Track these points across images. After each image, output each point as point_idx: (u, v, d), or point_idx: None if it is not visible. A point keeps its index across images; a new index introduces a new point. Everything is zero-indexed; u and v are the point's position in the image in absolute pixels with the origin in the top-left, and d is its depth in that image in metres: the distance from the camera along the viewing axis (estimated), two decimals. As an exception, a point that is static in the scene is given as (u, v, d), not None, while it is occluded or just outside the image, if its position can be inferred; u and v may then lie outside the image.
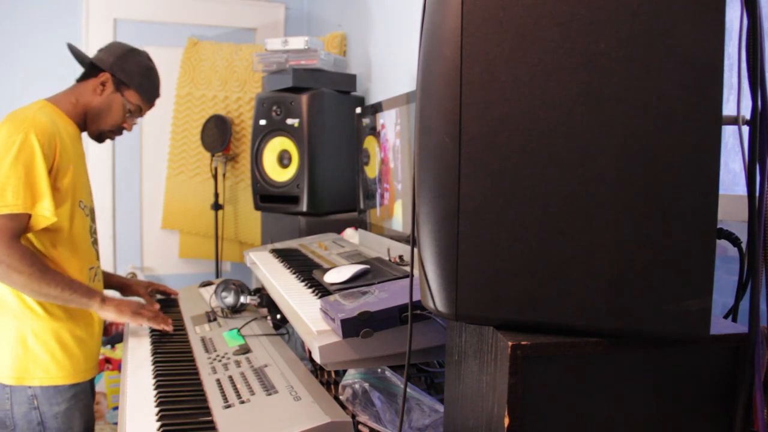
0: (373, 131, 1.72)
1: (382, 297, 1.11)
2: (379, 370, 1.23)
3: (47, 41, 3.14)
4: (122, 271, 3.34)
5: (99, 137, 1.88)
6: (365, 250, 1.69)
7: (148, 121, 3.34)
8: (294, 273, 1.54)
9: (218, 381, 1.35)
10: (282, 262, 1.68)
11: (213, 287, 1.95)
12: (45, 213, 1.58)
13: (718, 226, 0.71)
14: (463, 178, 0.70)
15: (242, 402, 1.22)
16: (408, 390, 1.12)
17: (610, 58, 0.65)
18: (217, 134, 3.11)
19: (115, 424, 2.84)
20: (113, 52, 1.84)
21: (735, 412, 0.73)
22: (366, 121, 1.78)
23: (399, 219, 1.57)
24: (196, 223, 3.29)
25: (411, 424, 1.12)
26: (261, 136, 2.36)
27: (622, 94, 0.65)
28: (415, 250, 0.79)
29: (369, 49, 2.61)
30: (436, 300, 0.74)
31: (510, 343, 0.67)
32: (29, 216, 1.58)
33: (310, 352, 1.46)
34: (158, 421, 1.20)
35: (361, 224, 1.86)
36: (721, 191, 0.68)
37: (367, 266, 1.38)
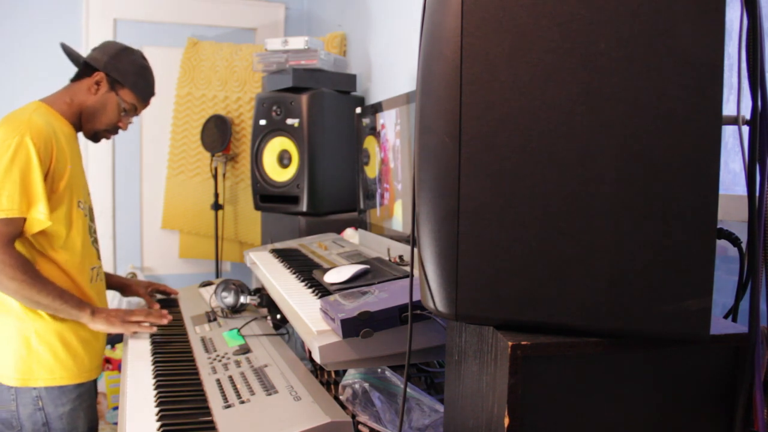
0: (373, 131, 1.72)
1: (382, 297, 1.11)
2: (379, 370, 1.23)
3: (47, 41, 3.13)
4: (122, 271, 3.34)
5: (94, 137, 1.88)
6: (365, 250, 1.69)
7: (148, 122, 3.34)
8: (294, 273, 1.54)
9: (218, 381, 1.35)
10: (282, 262, 1.68)
11: (213, 287, 1.95)
12: (39, 216, 1.58)
13: (718, 226, 0.71)
14: (463, 178, 0.70)
15: (242, 402, 1.22)
16: (408, 390, 1.12)
17: (610, 58, 0.65)
18: (217, 134, 3.11)
19: (115, 424, 2.83)
20: (107, 51, 1.83)
21: (735, 412, 0.73)
22: (366, 121, 1.78)
23: (399, 219, 1.57)
24: (196, 223, 3.29)
25: (411, 424, 1.12)
26: (261, 136, 2.36)
27: (622, 94, 0.65)
28: (415, 250, 0.79)
29: (369, 49, 2.61)
30: (436, 300, 0.74)
31: (510, 343, 0.67)
32: (24, 220, 1.58)
33: (310, 352, 1.46)
34: (158, 421, 1.20)
35: (361, 224, 1.86)
36: (721, 191, 0.68)
37: (367, 266, 1.38)
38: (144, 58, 1.90)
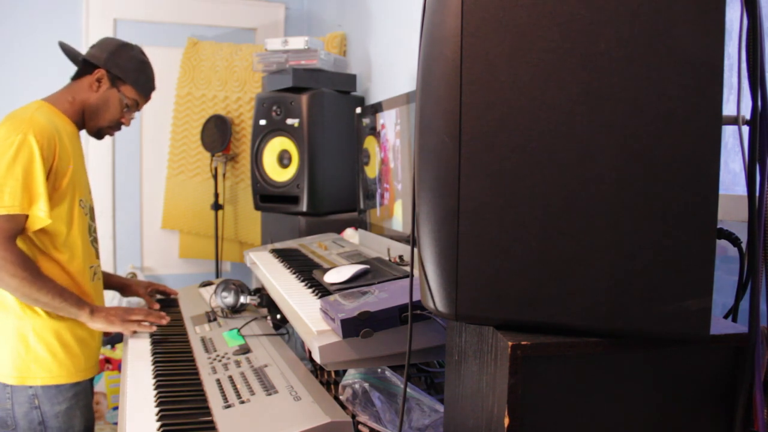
0: (373, 131, 1.72)
1: (382, 297, 1.11)
2: (379, 370, 1.23)
3: (47, 41, 3.13)
4: (122, 271, 3.34)
5: (98, 134, 1.89)
6: (365, 250, 1.69)
7: (148, 121, 3.34)
8: (294, 273, 1.54)
9: (218, 381, 1.35)
10: (282, 262, 1.68)
11: (213, 287, 1.95)
12: (40, 214, 1.59)
13: (718, 226, 0.71)
14: (463, 178, 0.70)
15: (242, 402, 1.22)
16: (408, 390, 1.12)
17: (610, 58, 0.65)
18: (217, 134, 3.11)
19: (115, 424, 2.84)
20: (106, 48, 1.83)
21: (735, 412, 0.73)
22: (366, 121, 1.78)
23: (399, 219, 1.57)
24: (196, 223, 3.29)
25: (411, 424, 1.12)
26: (261, 136, 2.36)
27: (622, 94, 0.65)
28: (415, 250, 0.79)
29: (369, 49, 2.61)
30: (436, 300, 0.74)
31: (510, 343, 0.67)
32: (26, 217, 1.58)
33: (310, 352, 1.46)
34: (158, 421, 1.20)
35: (361, 224, 1.86)
36: (721, 191, 0.68)
37: (367, 266, 1.38)
38: (143, 54, 1.91)
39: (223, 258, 3.26)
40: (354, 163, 2.00)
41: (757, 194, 0.70)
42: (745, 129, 0.71)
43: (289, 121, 2.27)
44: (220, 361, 1.47)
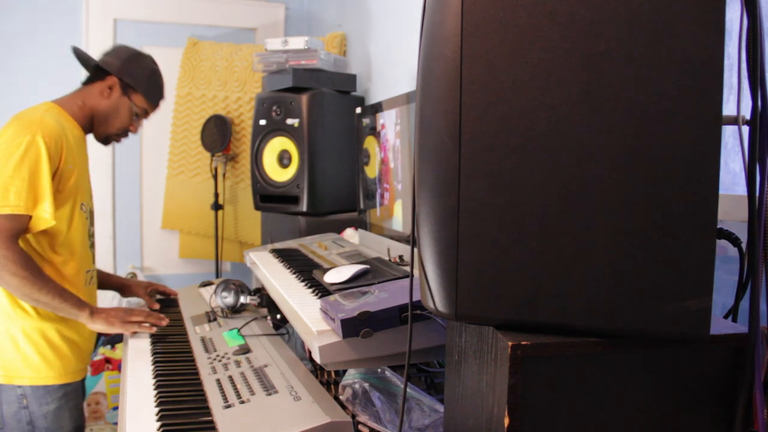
0: (373, 131, 1.72)
1: (382, 297, 1.11)
2: (379, 370, 1.23)
3: (47, 41, 3.14)
4: (122, 272, 3.34)
5: (105, 140, 1.92)
6: (365, 250, 1.69)
7: (148, 121, 3.33)
8: (294, 273, 1.54)
9: (218, 381, 1.35)
10: (282, 262, 1.68)
11: (213, 287, 1.95)
12: (45, 215, 1.60)
13: (718, 226, 0.71)
14: (463, 177, 0.70)
15: (242, 402, 1.22)
16: (408, 390, 1.12)
17: (610, 58, 0.65)
18: (217, 134, 3.11)
19: (115, 424, 2.84)
20: (120, 56, 1.86)
21: (735, 412, 0.73)
22: (366, 121, 1.78)
23: (399, 219, 1.57)
24: (196, 223, 3.29)
25: (411, 424, 1.12)
26: (261, 136, 2.36)
27: (622, 94, 0.65)
28: (415, 250, 0.79)
29: (369, 49, 2.61)
30: (436, 300, 0.74)
31: (510, 343, 0.67)
32: (29, 217, 1.59)
33: (310, 352, 1.46)
34: (158, 421, 1.20)
35: (361, 224, 1.86)
36: (721, 191, 0.68)
37: (367, 266, 1.38)
38: (155, 63, 1.94)
39: (223, 258, 3.26)
40: (354, 163, 2.00)
41: (757, 194, 0.70)
42: (745, 129, 0.71)
43: (289, 121, 2.27)
44: (220, 361, 1.47)
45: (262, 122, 2.35)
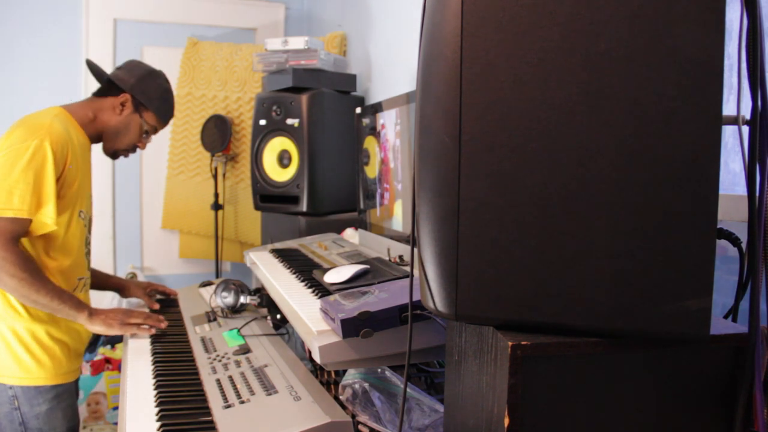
0: (373, 131, 1.72)
1: (382, 297, 1.11)
2: (379, 370, 1.23)
3: (47, 41, 3.13)
4: (122, 272, 3.34)
5: (114, 155, 1.93)
6: (365, 250, 1.69)
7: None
8: (294, 273, 1.54)
9: (218, 381, 1.35)
10: (282, 262, 1.68)
11: (213, 287, 1.95)
12: (47, 220, 1.61)
13: (718, 226, 0.71)
14: (463, 178, 0.70)
15: (242, 402, 1.22)
16: (408, 390, 1.12)
17: (610, 58, 0.65)
18: (217, 134, 3.11)
19: (115, 424, 2.84)
20: (134, 74, 1.87)
21: (735, 412, 0.73)
22: (366, 121, 1.78)
23: (399, 219, 1.57)
24: (196, 223, 3.29)
25: (411, 424, 1.12)
26: (261, 136, 2.36)
27: (622, 94, 0.65)
28: (415, 250, 0.79)
29: (369, 49, 2.61)
30: (436, 300, 0.74)
31: (510, 343, 0.67)
32: (31, 221, 1.59)
33: (310, 352, 1.46)
34: (158, 421, 1.20)
35: (361, 224, 1.86)
36: (721, 191, 0.68)
37: (367, 266, 1.38)
38: (167, 81, 1.96)
39: (223, 258, 3.26)
40: (354, 163, 2.00)
41: (757, 194, 0.70)
42: (745, 129, 0.71)
43: (289, 121, 2.27)
44: (220, 361, 1.47)
45: (262, 122, 2.35)
